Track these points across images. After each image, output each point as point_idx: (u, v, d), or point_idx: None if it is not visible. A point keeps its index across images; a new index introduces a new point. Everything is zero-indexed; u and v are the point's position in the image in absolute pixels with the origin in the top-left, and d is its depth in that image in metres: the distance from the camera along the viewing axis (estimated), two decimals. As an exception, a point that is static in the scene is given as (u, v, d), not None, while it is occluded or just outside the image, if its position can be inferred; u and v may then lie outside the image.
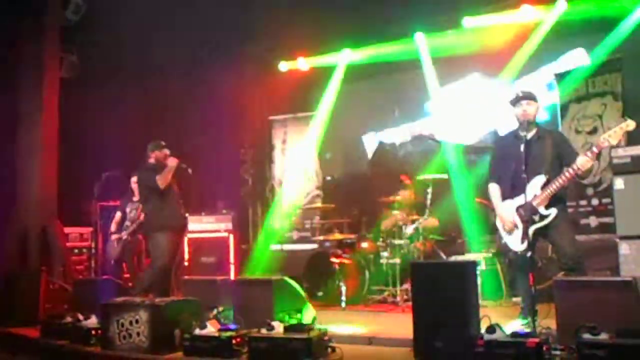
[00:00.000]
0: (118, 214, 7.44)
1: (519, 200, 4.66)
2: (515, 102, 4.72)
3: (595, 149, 4.41)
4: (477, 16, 7.98)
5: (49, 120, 7.96)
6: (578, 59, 7.87)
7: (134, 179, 7.24)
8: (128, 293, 6.05)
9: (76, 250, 8.82)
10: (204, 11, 7.80)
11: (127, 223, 7.27)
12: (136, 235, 7.20)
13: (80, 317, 5.28)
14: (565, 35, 7.74)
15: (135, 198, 7.22)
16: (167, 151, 6.28)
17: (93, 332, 5.04)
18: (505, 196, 4.81)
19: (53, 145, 8.03)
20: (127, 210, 7.36)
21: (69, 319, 5.35)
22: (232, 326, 4.46)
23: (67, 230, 8.42)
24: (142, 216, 6.97)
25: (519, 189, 4.62)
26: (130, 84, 8.27)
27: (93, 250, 8.19)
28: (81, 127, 7.83)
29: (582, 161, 4.39)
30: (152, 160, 6.34)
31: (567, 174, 4.50)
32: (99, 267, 8.10)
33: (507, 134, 5.00)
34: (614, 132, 4.33)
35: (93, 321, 5.16)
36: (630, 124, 4.34)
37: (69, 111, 7.99)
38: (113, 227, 7.40)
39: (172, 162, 6.17)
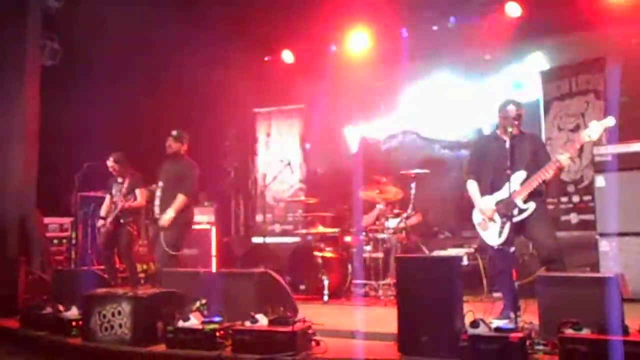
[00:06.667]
0: (108, 197, 7.01)
1: (498, 195, 4.73)
2: (517, 108, 4.76)
3: (577, 145, 4.50)
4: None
5: (30, 109, 7.76)
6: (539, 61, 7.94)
7: (110, 159, 6.85)
8: (108, 284, 5.96)
9: (55, 241, 8.71)
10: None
11: (113, 207, 6.78)
12: (125, 225, 6.67)
13: (61, 308, 5.20)
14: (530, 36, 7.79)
15: (120, 179, 6.84)
16: None
17: (74, 323, 4.96)
18: (484, 193, 4.88)
19: (34, 134, 7.84)
20: (113, 192, 6.91)
21: (49, 310, 5.27)
22: (216, 318, 4.44)
23: (46, 220, 8.29)
24: (125, 203, 6.68)
25: (497, 186, 4.74)
26: (113, 73, 8.13)
27: (73, 241, 8.07)
28: (63, 116, 7.68)
29: (564, 158, 4.47)
30: None
31: (549, 170, 4.56)
32: (79, 258, 7.97)
33: (488, 136, 5.12)
34: (595, 128, 4.41)
35: (74, 312, 5.07)
36: (610, 120, 4.42)
37: (50, 100, 7.83)
38: (103, 212, 6.93)
39: None
